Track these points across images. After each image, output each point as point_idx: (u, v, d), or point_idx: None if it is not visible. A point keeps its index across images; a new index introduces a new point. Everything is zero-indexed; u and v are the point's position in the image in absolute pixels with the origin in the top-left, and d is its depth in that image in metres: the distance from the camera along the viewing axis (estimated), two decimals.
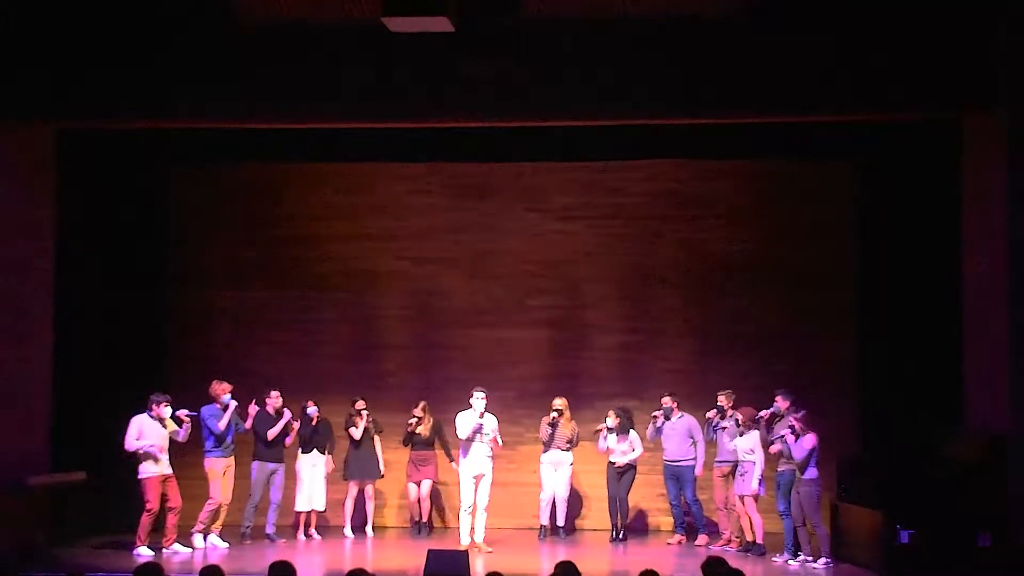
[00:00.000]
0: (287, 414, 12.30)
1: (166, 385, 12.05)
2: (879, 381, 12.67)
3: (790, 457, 11.12)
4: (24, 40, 11.27)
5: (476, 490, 11.82)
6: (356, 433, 12.64)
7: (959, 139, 11.29)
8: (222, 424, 11.87)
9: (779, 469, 11.39)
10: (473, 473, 11.83)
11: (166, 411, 11.49)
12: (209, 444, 11.91)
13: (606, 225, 13.84)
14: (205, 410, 11.88)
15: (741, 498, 11.77)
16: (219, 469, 11.92)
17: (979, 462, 10.56)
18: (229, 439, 11.96)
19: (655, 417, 12.50)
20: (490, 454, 11.89)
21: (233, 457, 12.06)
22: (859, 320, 13.22)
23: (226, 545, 11.88)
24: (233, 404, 11.98)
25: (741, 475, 11.74)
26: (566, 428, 12.69)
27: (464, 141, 12.73)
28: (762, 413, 11.63)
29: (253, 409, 12.14)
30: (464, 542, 11.69)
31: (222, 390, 11.99)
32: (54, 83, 11.25)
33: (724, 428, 12.01)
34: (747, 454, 11.68)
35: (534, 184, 13.93)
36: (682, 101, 11.16)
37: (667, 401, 12.54)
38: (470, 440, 11.78)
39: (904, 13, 10.79)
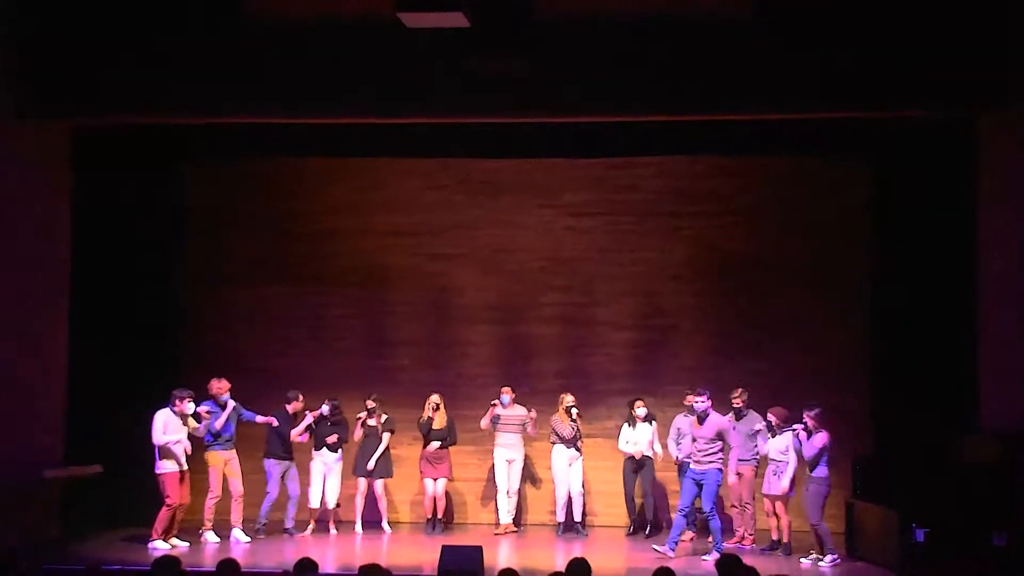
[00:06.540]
0: (309, 416, 12.38)
1: (180, 381, 12.07)
2: (892, 380, 12.63)
3: (800, 455, 11.08)
4: (39, 40, 11.31)
5: (508, 474, 12.71)
6: (356, 434, 12.70)
7: (975, 138, 11.26)
8: (219, 423, 11.88)
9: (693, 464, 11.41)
10: (505, 457, 12.74)
11: (189, 407, 11.54)
12: (207, 438, 11.94)
13: (619, 221, 13.82)
14: (202, 407, 11.87)
15: (773, 499, 11.67)
16: (218, 462, 11.95)
17: (994, 461, 10.55)
18: (228, 434, 11.99)
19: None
20: (521, 442, 12.77)
21: (234, 451, 12.08)
22: (873, 318, 13.18)
23: (248, 540, 11.90)
24: (232, 404, 11.99)
25: (774, 475, 11.59)
26: (576, 423, 12.75)
27: (477, 137, 12.75)
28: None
29: (310, 416, 12.39)
30: (504, 521, 12.64)
31: (220, 389, 12.01)
32: (68, 82, 11.30)
33: (758, 431, 11.94)
34: (780, 454, 11.56)
35: (547, 180, 13.91)
36: (695, 98, 11.16)
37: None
38: (496, 429, 12.73)
39: (919, 11, 10.77)
